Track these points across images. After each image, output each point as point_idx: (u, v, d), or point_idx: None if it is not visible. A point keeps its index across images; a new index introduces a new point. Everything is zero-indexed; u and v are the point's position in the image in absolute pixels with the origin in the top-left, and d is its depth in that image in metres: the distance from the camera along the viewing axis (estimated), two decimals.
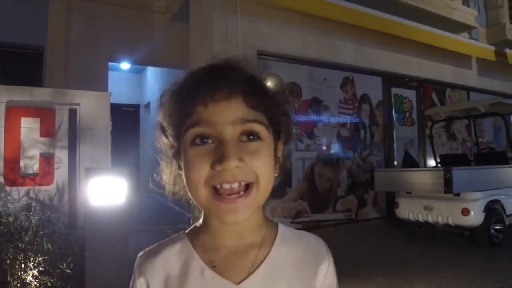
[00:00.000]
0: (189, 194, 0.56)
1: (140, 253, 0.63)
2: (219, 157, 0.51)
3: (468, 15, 8.19)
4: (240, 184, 0.52)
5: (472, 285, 3.47)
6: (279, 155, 0.61)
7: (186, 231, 0.64)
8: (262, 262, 0.58)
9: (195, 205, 0.57)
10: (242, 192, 0.53)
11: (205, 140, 0.53)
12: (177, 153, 0.59)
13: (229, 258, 0.58)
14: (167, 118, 0.60)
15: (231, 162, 0.50)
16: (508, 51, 8.73)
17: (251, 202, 0.53)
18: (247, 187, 0.53)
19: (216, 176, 0.52)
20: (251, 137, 0.54)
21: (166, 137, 0.60)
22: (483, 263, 4.18)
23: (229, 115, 0.53)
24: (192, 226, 0.64)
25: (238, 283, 0.56)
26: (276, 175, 0.59)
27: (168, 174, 0.62)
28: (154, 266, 0.60)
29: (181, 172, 0.58)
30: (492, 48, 8.66)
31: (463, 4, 8.46)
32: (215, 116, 0.53)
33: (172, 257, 0.60)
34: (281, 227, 0.64)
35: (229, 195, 0.52)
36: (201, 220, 0.62)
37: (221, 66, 0.57)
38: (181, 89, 0.58)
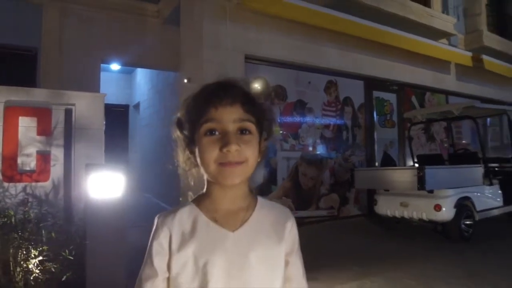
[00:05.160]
0: (201, 168, 0.80)
1: (158, 215, 0.85)
2: (225, 143, 0.75)
3: (447, 22, 8.53)
4: (237, 162, 0.77)
5: (441, 272, 3.78)
6: (263, 148, 0.86)
7: (192, 200, 0.87)
8: (248, 219, 0.84)
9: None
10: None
11: (214, 132, 0.77)
12: (190, 142, 0.83)
13: (226, 216, 0.83)
14: (187, 115, 0.83)
15: (233, 146, 0.75)
16: (484, 57, 9.06)
17: (243, 170, 0.78)
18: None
19: (223, 156, 0.76)
20: (245, 131, 0.78)
21: (182, 129, 0.84)
22: (453, 255, 4.49)
23: (231, 116, 0.77)
24: (197, 195, 0.88)
25: (233, 231, 0.82)
26: (259, 159, 0.83)
27: (182, 157, 0.87)
28: (173, 221, 0.82)
29: (190, 156, 0.83)
30: (470, 54, 9.01)
31: (443, 12, 8.79)
32: (222, 116, 0.77)
33: (184, 216, 0.83)
34: (259, 198, 0.90)
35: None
36: (204, 190, 0.86)
37: (227, 83, 0.82)
38: (199, 96, 0.82)
